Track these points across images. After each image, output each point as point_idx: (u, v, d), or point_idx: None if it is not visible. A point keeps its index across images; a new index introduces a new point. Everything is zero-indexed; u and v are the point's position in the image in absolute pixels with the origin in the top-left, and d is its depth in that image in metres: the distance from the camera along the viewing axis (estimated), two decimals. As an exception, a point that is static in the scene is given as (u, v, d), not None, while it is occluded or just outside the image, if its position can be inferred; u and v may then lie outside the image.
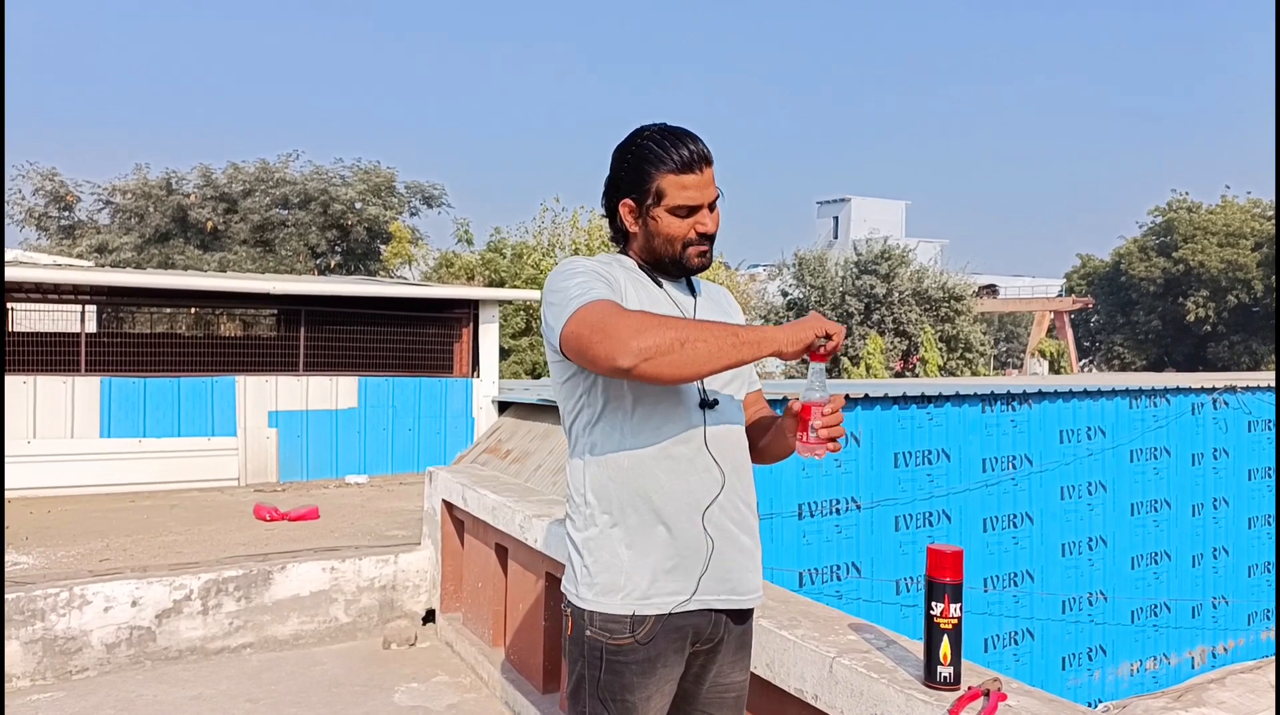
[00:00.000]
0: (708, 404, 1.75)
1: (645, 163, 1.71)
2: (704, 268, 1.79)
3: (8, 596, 4.15)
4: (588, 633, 1.70)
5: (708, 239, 1.77)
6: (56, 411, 9.19)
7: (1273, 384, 9.88)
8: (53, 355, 9.38)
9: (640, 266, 1.80)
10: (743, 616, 1.83)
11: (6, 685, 4.06)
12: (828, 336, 1.64)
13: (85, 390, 9.33)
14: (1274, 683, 8.77)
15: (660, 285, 1.79)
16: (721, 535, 1.73)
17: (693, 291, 1.86)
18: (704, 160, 1.72)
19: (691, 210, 1.73)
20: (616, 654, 1.68)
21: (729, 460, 1.76)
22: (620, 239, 1.83)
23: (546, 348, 1.75)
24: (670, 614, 1.70)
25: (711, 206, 1.76)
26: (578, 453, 1.77)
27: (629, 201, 1.75)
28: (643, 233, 1.77)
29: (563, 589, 1.81)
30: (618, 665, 1.68)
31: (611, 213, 1.80)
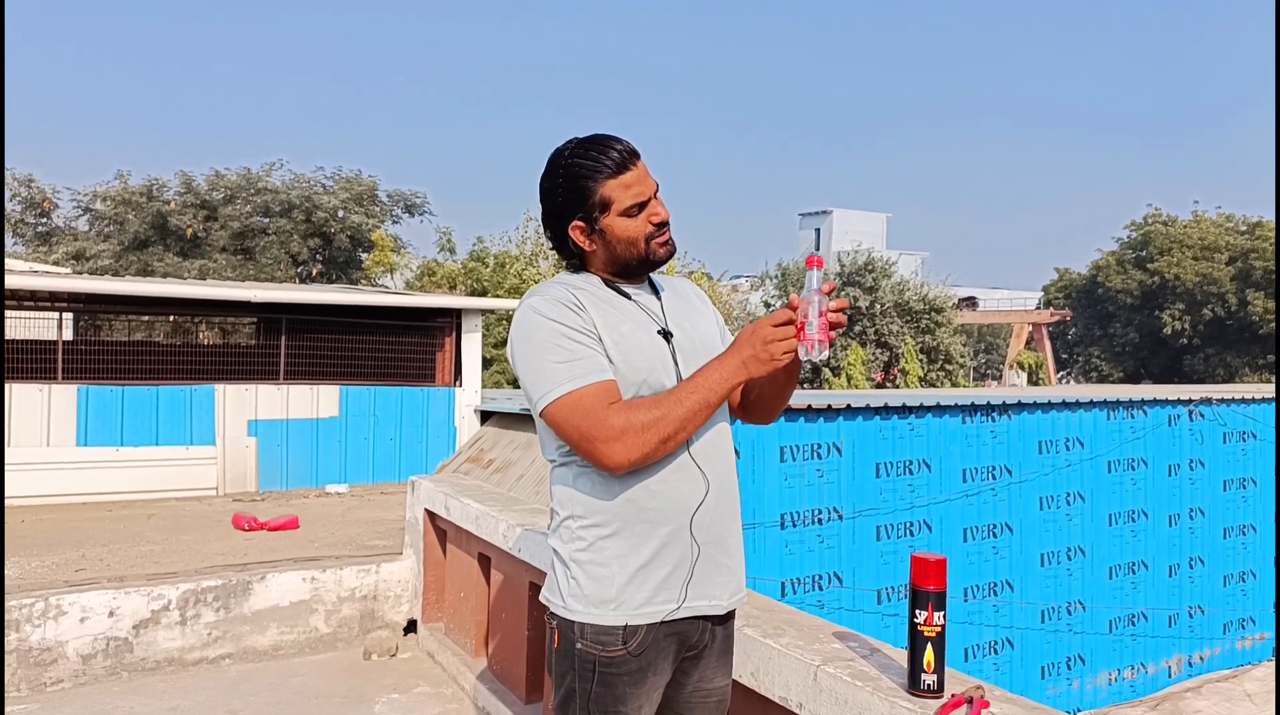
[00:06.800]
0: None
1: (580, 179, 1.70)
2: (671, 255, 1.80)
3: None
4: (579, 645, 1.69)
5: (665, 226, 1.78)
6: (32, 420, 9.08)
7: (1247, 396, 10.01)
8: (29, 363, 9.28)
9: (604, 281, 1.80)
10: (725, 620, 1.84)
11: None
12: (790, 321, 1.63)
13: (62, 398, 9.22)
14: (1249, 692, 8.86)
15: (628, 296, 1.79)
16: (708, 540, 1.74)
17: (656, 293, 1.87)
18: (634, 155, 1.73)
19: (641, 206, 1.73)
20: (609, 666, 1.67)
21: (713, 465, 1.76)
22: (576, 262, 1.82)
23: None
24: (661, 623, 1.70)
25: (655, 194, 1.76)
26: (562, 465, 1.77)
27: (578, 223, 1.74)
28: (601, 246, 1.76)
29: (544, 599, 1.80)
30: (610, 677, 1.67)
31: (560, 241, 1.79)
